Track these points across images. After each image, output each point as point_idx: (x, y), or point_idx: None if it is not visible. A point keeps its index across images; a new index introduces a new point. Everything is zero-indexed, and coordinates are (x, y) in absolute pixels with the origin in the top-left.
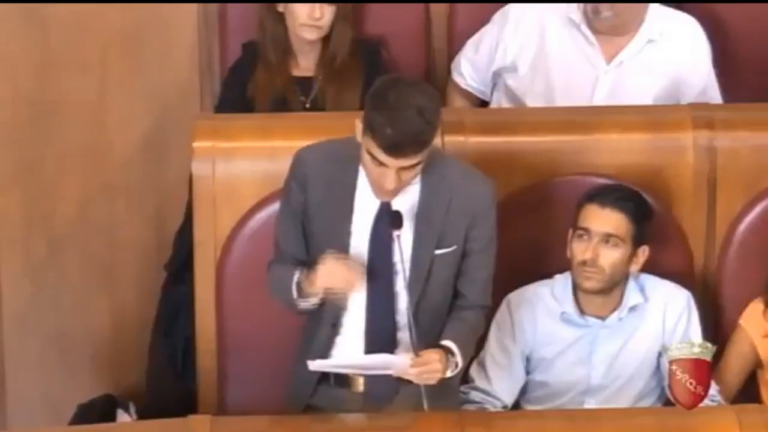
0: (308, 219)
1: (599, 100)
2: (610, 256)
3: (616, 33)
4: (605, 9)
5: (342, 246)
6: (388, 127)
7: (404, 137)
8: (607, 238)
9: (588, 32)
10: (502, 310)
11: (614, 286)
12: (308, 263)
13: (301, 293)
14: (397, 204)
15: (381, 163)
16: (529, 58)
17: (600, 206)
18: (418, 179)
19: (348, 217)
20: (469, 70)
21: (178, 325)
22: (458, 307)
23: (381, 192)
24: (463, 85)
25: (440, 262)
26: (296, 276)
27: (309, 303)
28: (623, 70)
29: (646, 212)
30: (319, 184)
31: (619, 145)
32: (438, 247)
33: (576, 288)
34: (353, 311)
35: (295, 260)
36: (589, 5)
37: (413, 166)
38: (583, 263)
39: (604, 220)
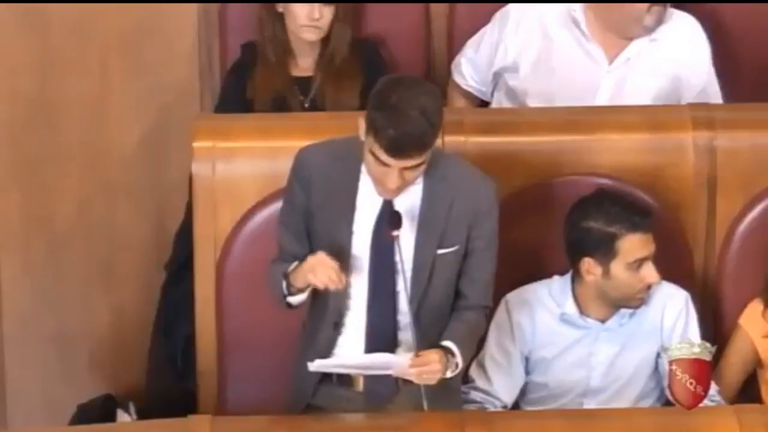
0: (310, 218)
1: (604, 99)
2: None
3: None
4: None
5: (344, 246)
6: (390, 129)
7: (407, 138)
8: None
9: (587, 31)
10: (500, 310)
11: None
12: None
13: (290, 288)
14: (398, 204)
15: (383, 163)
16: (530, 58)
17: (644, 232)
18: (420, 179)
19: (350, 217)
20: (470, 70)
21: (178, 325)
22: (459, 307)
23: (384, 190)
24: (463, 86)
25: (442, 261)
26: (287, 268)
27: (296, 299)
28: (627, 69)
29: None
30: (321, 183)
31: (619, 145)
32: (440, 247)
33: (576, 290)
34: (355, 311)
35: (295, 259)
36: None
37: (416, 166)
38: (649, 287)
39: (650, 241)
